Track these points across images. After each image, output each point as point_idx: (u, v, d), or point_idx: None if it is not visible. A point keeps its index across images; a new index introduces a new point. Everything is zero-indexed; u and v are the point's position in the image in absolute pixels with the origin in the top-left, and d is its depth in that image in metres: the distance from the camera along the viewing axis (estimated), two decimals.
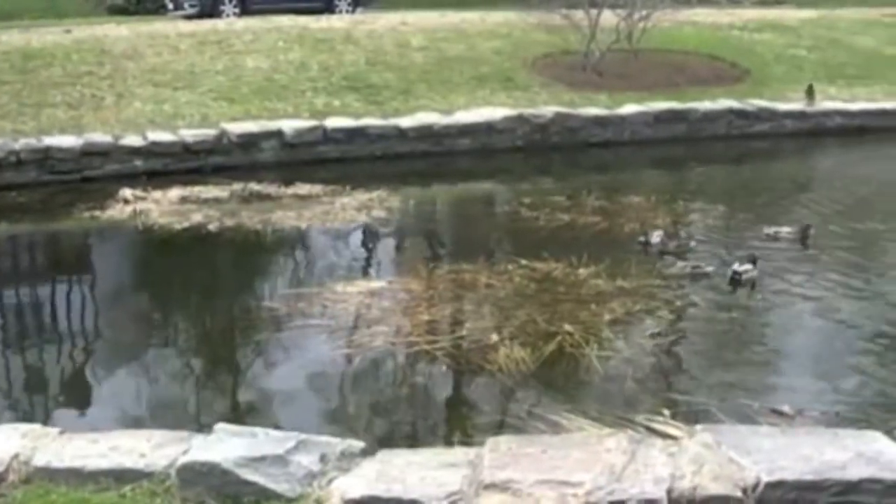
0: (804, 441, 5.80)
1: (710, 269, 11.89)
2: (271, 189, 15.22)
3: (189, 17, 31.04)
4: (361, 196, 14.99)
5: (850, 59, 27.79)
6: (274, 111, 18.68)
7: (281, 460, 5.55)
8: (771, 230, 13.23)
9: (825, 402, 8.50)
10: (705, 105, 21.60)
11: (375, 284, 11.16)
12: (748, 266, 11.75)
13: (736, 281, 11.56)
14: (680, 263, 11.90)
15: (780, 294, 11.35)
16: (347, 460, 5.67)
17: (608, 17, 23.17)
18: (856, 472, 5.34)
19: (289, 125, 17.69)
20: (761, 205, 15.76)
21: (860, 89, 25.18)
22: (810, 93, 23.14)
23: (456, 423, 8.06)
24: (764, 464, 5.37)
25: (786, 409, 8.14)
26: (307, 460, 5.60)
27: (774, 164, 19.87)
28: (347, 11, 33.17)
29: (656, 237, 12.72)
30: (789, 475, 5.28)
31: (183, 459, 5.60)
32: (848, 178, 18.46)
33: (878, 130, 23.05)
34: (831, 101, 23.62)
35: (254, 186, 15.24)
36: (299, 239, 13.57)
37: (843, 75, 26.09)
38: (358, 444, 5.86)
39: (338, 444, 5.83)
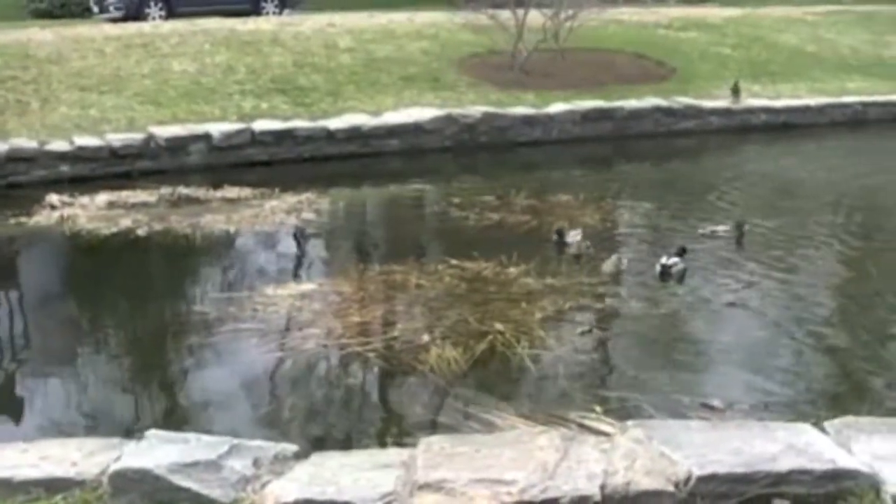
0: (734, 434, 5.87)
1: (639, 265, 11.99)
2: (200, 193, 15.12)
3: (114, 21, 30.74)
4: (290, 198, 14.94)
5: (774, 56, 28.18)
6: (201, 114, 18.57)
7: (214, 465, 5.52)
8: (707, 229, 13.35)
9: (755, 396, 8.60)
10: (632, 103, 21.83)
11: (306, 287, 11.12)
12: (676, 259, 11.88)
13: (665, 274, 11.69)
14: (611, 260, 11.95)
15: (710, 289, 11.47)
16: (281, 464, 5.65)
17: (535, 17, 23.33)
18: (785, 464, 5.41)
19: (216, 128, 17.60)
20: (689, 202, 15.91)
21: (784, 86, 25.56)
22: (736, 90, 23.45)
23: (389, 425, 8.06)
24: (695, 458, 5.42)
25: (716, 403, 8.22)
26: (240, 465, 5.57)
27: (701, 162, 20.08)
28: (274, 13, 33.02)
29: (572, 236, 12.76)
30: (720, 468, 5.34)
31: (115, 467, 5.54)
32: (774, 174, 18.71)
33: (803, 126, 23.45)
34: (756, 98, 24.01)
35: (182, 190, 15.13)
36: (229, 242, 13.48)
37: (768, 73, 26.45)
38: (291, 448, 5.85)
39: (271, 447, 5.82)
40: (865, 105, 25.48)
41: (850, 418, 6.35)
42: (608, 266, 11.78)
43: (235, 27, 24.60)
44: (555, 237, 12.78)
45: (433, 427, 7.63)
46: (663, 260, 11.79)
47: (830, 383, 9.07)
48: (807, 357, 9.61)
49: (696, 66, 26.09)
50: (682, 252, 12.00)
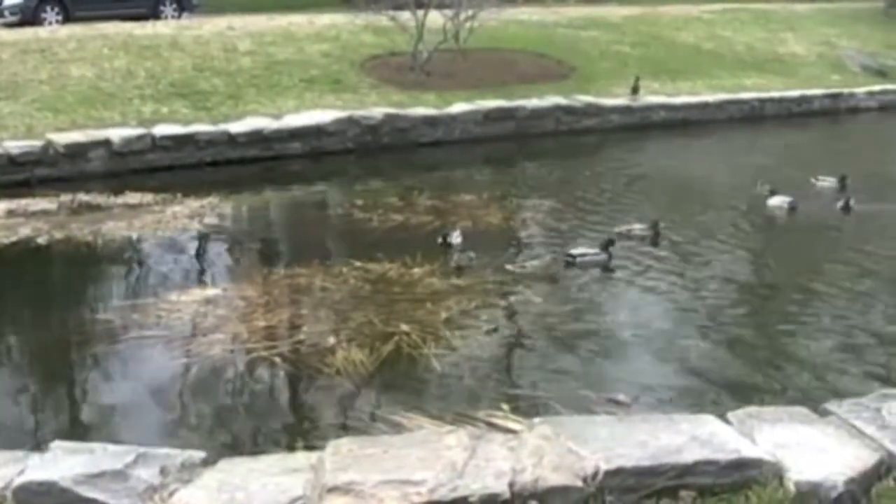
0: (640, 428, 5.97)
1: (543, 262, 12.08)
2: (101, 199, 14.91)
3: (10, 26, 30.17)
4: (193, 203, 14.82)
5: (673, 54, 28.56)
6: (101, 120, 18.32)
7: (121, 475, 5.49)
8: (622, 228, 13.49)
9: (659, 389, 8.74)
10: (533, 102, 21.98)
11: (210, 292, 11.06)
12: (584, 250, 12.10)
13: (570, 264, 11.86)
14: (522, 258, 12.04)
15: (620, 286, 11.64)
16: (188, 471, 5.62)
17: (435, 18, 23.35)
18: (690, 456, 5.52)
19: (116, 134, 17.35)
20: (592, 200, 16.06)
21: (683, 84, 25.95)
22: (635, 88, 23.70)
23: (297, 428, 8.05)
24: (602, 452, 5.50)
25: (621, 397, 8.33)
26: (147, 474, 5.54)
27: (603, 159, 20.25)
28: (173, 17, 32.61)
29: (456, 237, 12.81)
30: (627, 462, 5.43)
31: (19, 480, 5.48)
32: (676, 171, 18.97)
33: (701, 123, 23.86)
34: (655, 95, 24.30)
35: (83, 197, 14.91)
36: (131, 249, 13.33)
37: (667, 70, 26.79)
38: (198, 455, 5.82)
39: (178, 455, 5.78)
40: (762, 101, 26.01)
41: (752, 408, 6.48)
42: (530, 266, 11.87)
43: (134, 31, 24.34)
44: (440, 240, 12.85)
45: (342, 430, 7.65)
46: (571, 250, 12.04)
47: (734, 374, 9.22)
48: (711, 350, 9.78)
49: (597, 65, 26.33)
50: (607, 245, 12.24)
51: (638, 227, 13.47)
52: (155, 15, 32.07)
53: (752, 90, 26.51)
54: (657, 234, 13.37)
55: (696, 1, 36.94)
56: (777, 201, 15.07)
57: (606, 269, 12.15)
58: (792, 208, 14.93)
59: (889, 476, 5.62)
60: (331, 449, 5.69)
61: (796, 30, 34.13)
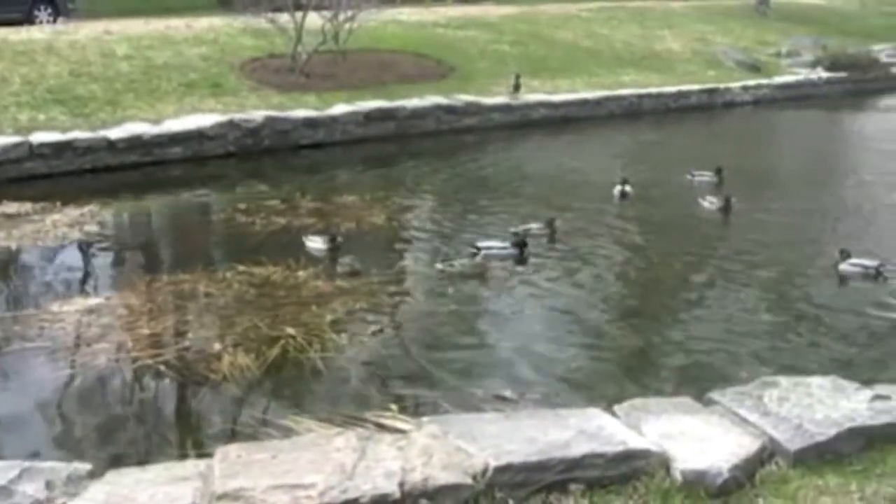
0: (528, 423, 6.05)
1: (471, 261, 12.14)
2: None
3: None
4: (73, 212, 14.61)
5: (551, 52, 28.84)
6: None
7: (4, 491, 5.40)
8: (519, 228, 13.59)
9: (546, 384, 8.85)
10: (414, 102, 22.08)
11: (93, 301, 10.92)
12: (491, 243, 12.37)
13: (475, 255, 12.19)
14: (443, 256, 12.10)
15: (504, 282, 11.74)
16: (75, 484, 5.55)
17: (314, 19, 23.31)
18: (578, 449, 5.62)
19: None
20: (475, 199, 16.16)
21: (562, 81, 26.23)
22: (517, 86, 23.90)
23: (186, 436, 8.01)
24: (491, 449, 5.57)
25: (508, 394, 8.42)
26: (32, 488, 5.46)
27: (485, 158, 20.37)
28: (48, 22, 32.07)
29: (314, 241, 12.82)
30: (516, 458, 5.50)
31: None
32: (557, 168, 19.17)
33: (581, 119, 24.17)
34: (535, 93, 24.53)
35: None
36: (11, 260, 13.09)
37: (546, 68, 27.05)
38: (85, 467, 5.74)
39: (63, 468, 5.70)
40: (640, 97, 26.47)
41: (638, 400, 6.61)
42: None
43: (8, 37, 23.83)
44: (304, 241, 12.87)
45: (231, 436, 7.61)
46: (480, 242, 12.39)
47: (620, 368, 9.39)
48: (598, 344, 9.96)
49: (476, 64, 26.49)
50: (521, 244, 12.37)
51: (535, 226, 13.59)
52: (29, 20, 31.47)
53: (630, 87, 26.92)
54: (553, 231, 13.51)
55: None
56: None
57: (520, 262, 12.36)
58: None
59: (772, 461, 5.78)
60: (219, 456, 5.66)
61: (672, 27, 34.73)
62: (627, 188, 16.15)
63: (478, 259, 12.15)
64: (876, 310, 11.00)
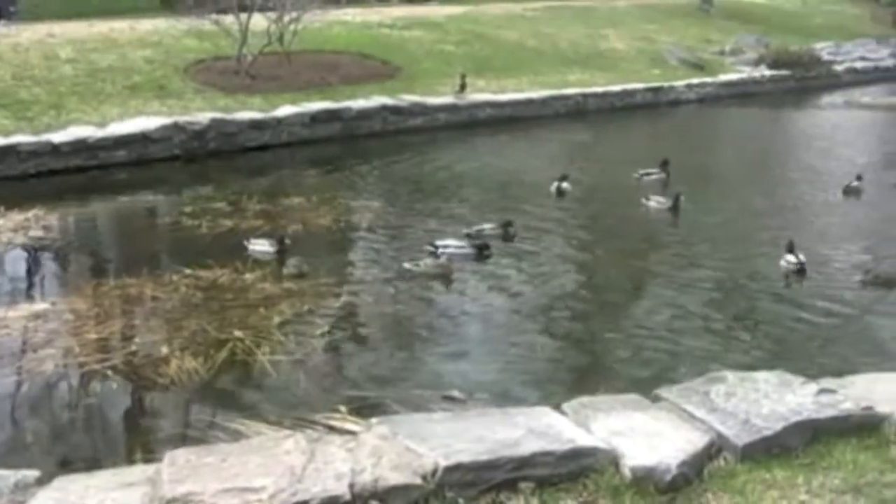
0: (477, 423, 6.05)
1: (435, 261, 12.14)
2: None
3: None
4: (17, 216, 14.47)
5: (497, 52, 28.91)
6: None
7: None
8: (472, 229, 13.61)
9: (495, 384, 8.88)
10: (359, 103, 22.08)
11: (39, 307, 10.83)
12: (449, 241, 12.40)
13: (433, 254, 12.24)
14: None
15: (453, 282, 11.75)
16: (22, 492, 5.50)
17: (259, 21, 23.23)
18: (527, 448, 5.62)
19: None
20: (422, 199, 16.20)
21: (508, 81, 26.31)
22: (462, 86, 23.96)
23: (134, 441, 7.96)
24: (440, 449, 5.56)
25: (456, 394, 8.44)
26: None
27: (432, 158, 20.37)
28: None
29: (260, 244, 12.79)
30: (465, 457, 5.49)
31: None
32: (504, 168, 19.21)
33: (527, 119, 24.24)
34: (481, 93, 24.59)
35: None
36: None
37: (491, 68, 27.12)
38: (32, 474, 5.70)
39: (10, 475, 5.65)
40: (585, 96, 26.62)
41: (586, 398, 6.62)
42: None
43: None
44: (246, 243, 12.83)
45: (180, 440, 7.58)
46: (438, 241, 12.52)
47: (568, 366, 9.46)
48: (545, 343, 9.98)
49: (421, 64, 26.51)
50: (483, 245, 12.44)
51: (488, 227, 13.62)
52: None
53: (575, 86, 27.06)
54: (507, 232, 13.55)
55: None
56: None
57: (479, 259, 12.46)
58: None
59: (720, 456, 5.82)
60: (168, 460, 5.62)
61: (617, 26, 34.92)
62: (564, 185, 16.26)
63: (442, 259, 12.15)
64: (821, 304, 11.12)
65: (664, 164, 17.31)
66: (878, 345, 10.18)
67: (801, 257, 12.14)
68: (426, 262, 12.04)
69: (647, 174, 17.31)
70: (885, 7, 49.09)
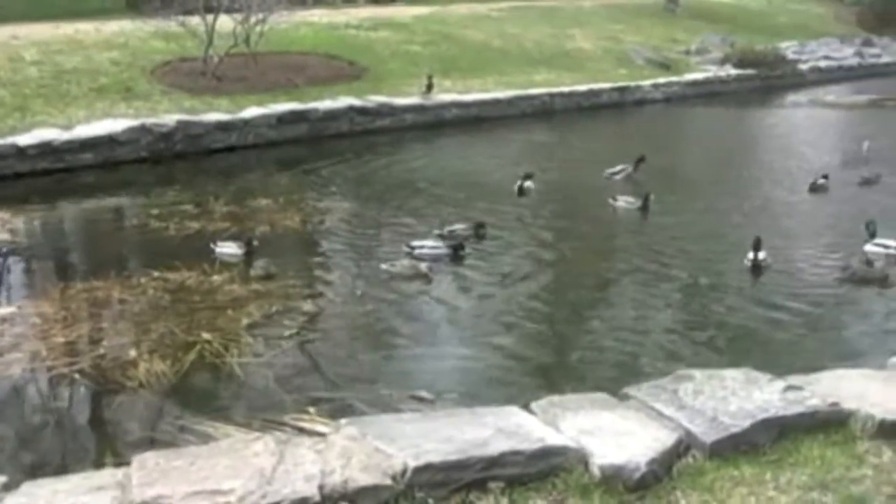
0: (446, 423, 6.06)
1: (410, 262, 12.15)
2: None
3: None
4: None
5: (463, 52, 28.94)
6: None
7: None
8: (444, 230, 13.63)
9: (463, 384, 8.91)
10: (326, 104, 22.07)
11: (5, 310, 10.78)
12: (424, 242, 12.54)
13: (409, 255, 12.28)
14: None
15: (422, 283, 11.74)
16: None
17: (225, 22, 23.18)
18: (497, 448, 5.63)
19: None
20: (390, 201, 16.18)
21: (474, 81, 26.35)
22: (429, 86, 23.98)
23: (103, 445, 7.92)
24: (410, 449, 5.57)
25: (424, 394, 8.45)
26: None
27: (399, 159, 20.35)
28: None
29: (228, 246, 12.76)
30: (434, 458, 5.50)
31: None
32: (470, 168, 19.20)
33: (494, 119, 24.27)
34: (447, 93, 24.62)
35: None
36: None
37: (457, 68, 27.15)
38: (0, 479, 5.68)
39: None
40: (552, 96, 26.68)
41: (555, 397, 6.64)
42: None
43: None
44: (212, 247, 12.78)
45: (150, 443, 7.55)
46: (414, 242, 12.59)
47: (537, 365, 9.47)
48: (514, 342, 10.02)
49: (388, 65, 26.51)
50: (458, 245, 12.51)
51: (460, 227, 13.64)
52: None
53: (542, 86, 27.12)
54: (479, 233, 13.56)
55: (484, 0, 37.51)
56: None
57: (455, 260, 12.49)
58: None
59: (688, 454, 5.85)
60: (136, 464, 5.60)
61: (583, 26, 35.00)
62: (527, 184, 16.35)
63: (419, 260, 12.14)
64: (788, 302, 11.19)
65: (639, 161, 17.43)
66: (844, 341, 10.27)
67: (762, 255, 12.22)
68: (402, 263, 12.03)
69: (616, 172, 17.42)
70: (849, 6, 49.45)
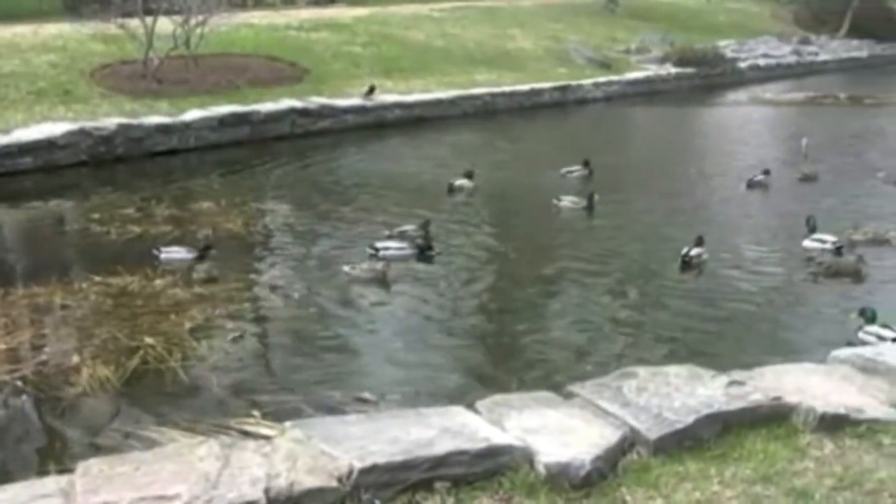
0: (391, 424, 6.05)
1: (371, 264, 12.11)
2: None
3: None
4: None
5: (404, 52, 28.96)
6: None
7: None
8: (395, 231, 13.62)
9: (407, 384, 8.90)
10: (268, 106, 22.04)
11: None
12: (389, 243, 12.64)
13: (374, 256, 12.27)
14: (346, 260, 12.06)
15: (366, 285, 11.72)
16: None
17: (165, 24, 23.04)
18: (442, 447, 5.63)
19: None
20: (333, 202, 16.14)
21: (416, 81, 26.38)
22: (371, 88, 24.01)
23: (46, 452, 7.84)
24: (355, 451, 5.56)
25: (367, 395, 8.45)
26: None
27: (342, 160, 20.35)
28: None
29: (175, 251, 12.66)
30: (380, 459, 5.49)
31: None
32: (414, 169, 19.23)
33: (436, 119, 24.31)
34: (389, 94, 24.63)
35: None
36: None
37: (399, 69, 27.17)
38: None
39: None
40: (494, 96, 26.79)
41: (499, 396, 6.64)
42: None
43: None
44: (154, 252, 12.68)
45: (95, 450, 7.48)
46: (378, 243, 12.68)
47: (481, 365, 9.50)
48: (458, 343, 10.05)
49: (329, 66, 26.48)
50: (425, 248, 12.62)
51: (409, 228, 13.65)
52: None
53: (483, 86, 27.21)
54: (427, 233, 13.58)
55: (424, 0, 37.53)
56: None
57: (421, 260, 12.55)
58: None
59: (633, 450, 5.89)
60: (81, 470, 5.55)
61: (524, 25, 35.12)
62: (459, 182, 16.48)
63: (382, 262, 12.12)
64: (729, 298, 11.28)
65: (586, 163, 17.56)
66: (786, 336, 10.37)
67: (696, 251, 12.32)
68: (362, 267, 12.01)
69: (571, 171, 17.56)
70: (785, 5, 49.95)
